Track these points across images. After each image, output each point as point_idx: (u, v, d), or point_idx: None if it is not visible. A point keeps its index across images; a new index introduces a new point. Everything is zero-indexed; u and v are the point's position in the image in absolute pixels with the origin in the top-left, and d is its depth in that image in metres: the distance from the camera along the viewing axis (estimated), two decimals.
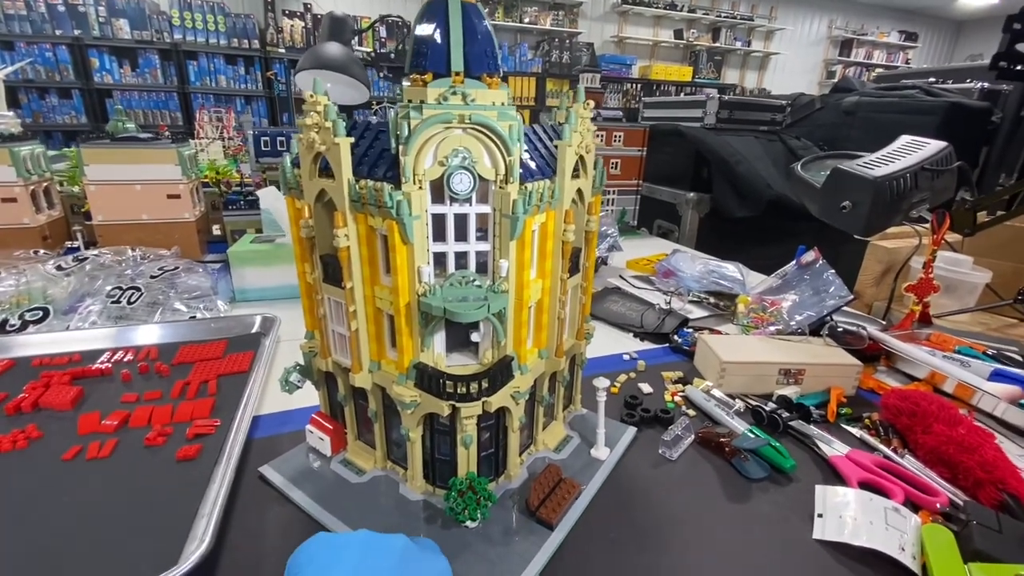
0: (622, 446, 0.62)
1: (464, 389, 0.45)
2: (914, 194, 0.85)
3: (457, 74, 0.42)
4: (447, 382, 0.45)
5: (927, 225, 1.01)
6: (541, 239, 0.48)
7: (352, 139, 0.42)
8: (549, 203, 0.47)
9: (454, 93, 0.41)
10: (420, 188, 0.41)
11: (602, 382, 0.58)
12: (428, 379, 0.46)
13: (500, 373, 0.47)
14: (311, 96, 0.41)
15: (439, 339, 0.47)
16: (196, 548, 0.44)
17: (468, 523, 0.48)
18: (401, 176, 0.41)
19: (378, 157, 0.43)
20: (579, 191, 0.51)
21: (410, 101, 0.42)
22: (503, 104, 0.44)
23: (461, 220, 0.44)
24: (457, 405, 0.46)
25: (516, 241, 0.44)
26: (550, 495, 0.51)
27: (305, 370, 0.57)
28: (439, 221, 0.44)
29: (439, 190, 0.42)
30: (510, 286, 0.46)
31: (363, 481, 0.55)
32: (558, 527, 0.49)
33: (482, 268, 0.47)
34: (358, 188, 0.42)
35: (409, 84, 0.43)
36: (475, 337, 0.47)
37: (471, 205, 0.44)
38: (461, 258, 0.46)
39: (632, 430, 0.65)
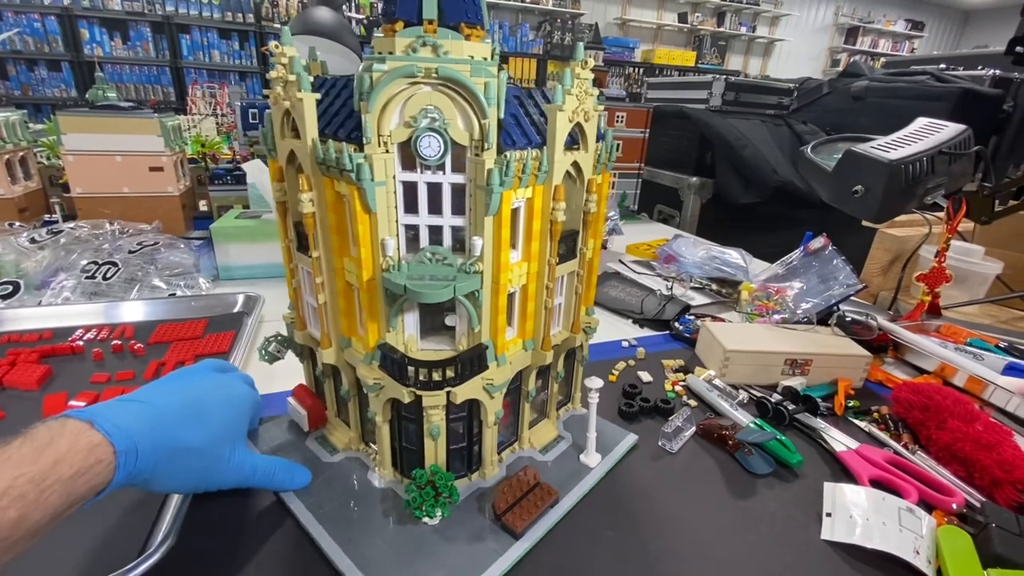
0: (618, 453, 0.56)
1: (427, 376, 0.41)
2: (930, 179, 0.81)
3: (430, 22, 0.37)
4: (410, 367, 0.41)
5: (938, 213, 0.98)
6: (527, 217, 0.43)
7: (318, 95, 0.38)
8: (535, 176, 0.41)
9: (424, 44, 0.36)
10: (386, 151, 0.37)
11: (595, 382, 0.51)
12: (391, 362, 0.42)
13: (471, 362, 0.43)
14: (276, 47, 0.37)
15: (411, 320, 0.43)
16: (162, 541, 0.40)
17: (427, 519, 0.45)
18: (363, 136, 0.36)
19: (347, 116, 0.39)
20: (576, 165, 0.45)
21: (378, 53, 0.38)
22: (484, 59, 0.39)
23: (435, 190, 0.40)
24: (419, 393, 0.42)
25: (493, 218, 0.39)
26: (520, 500, 0.46)
27: (288, 341, 0.55)
28: (410, 190, 0.40)
29: (411, 156, 0.38)
30: (485, 267, 0.41)
31: (334, 461, 0.52)
32: (524, 536, 0.44)
33: (460, 246, 0.42)
34: (323, 149, 0.38)
35: (380, 35, 0.39)
36: (450, 321, 0.43)
37: (444, 173, 0.39)
38: (435, 233, 0.41)
39: (633, 437, 0.58)
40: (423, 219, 0.41)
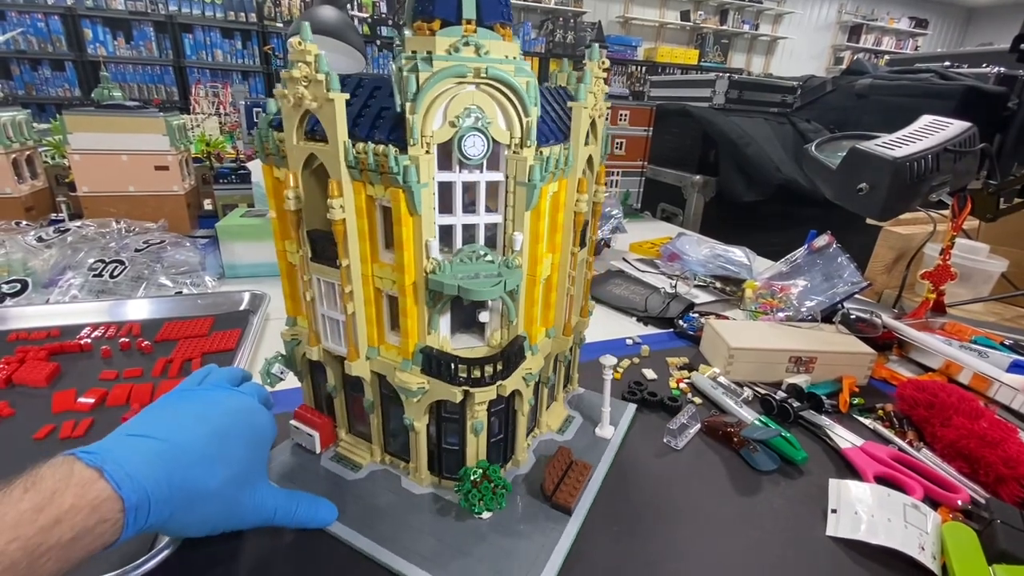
0: (624, 424, 0.61)
1: (478, 373, 0.42)
2: (935, 176, 0.81)
3: (468, 22, 0.37)
4: (461, 366, 0.42)
5: (943, 211, 0.98)
6: (552, 210, 0.45)
7: (348, 95, 0.38)
8: (563, 170, 0.43)
9: (466, 44, 0.36)
10: (428, 152, 0.37)
11: (609, 359, 0.56)
12: (437, 364, 0.42)
13: (515, 355, 0.44)
14: (299, 43, 0.35)
15: (445, 321, 0.44)
16: (171, 539, 0.41)
17: (483, 515, 0.45)
18: (408, 138, 0.36)
19: (376, 117, 0.38)
20: (589, 158, 0.47)
21: (414, 52, 0.37)
22: (516, 58, 0.40)
23: (470, 189, 0.40)
24: (471, 390, 0.43)
25: (531, 212, 0.41)
26: (563, 479, 0.49)
27: (288, 360, 0.52)
28: (445, 190, 0.40)
29: (446, 155, 0.38)
30: (523, 261, 0.42)
31: (360, 477, 0.50)
32: (575, 511, 0.47)
33: (490, 242, 0.43)
34: (356, 152, 0.38)
35: (413, 33, 0.38)
36: (483, 317, 0.44)
37: (481, 172, 0.39)
38: (468, 231, 0.42)
39: (632, 407, 0.64)
40: (459, 218, 0.41)
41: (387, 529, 0.44)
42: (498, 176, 0.40)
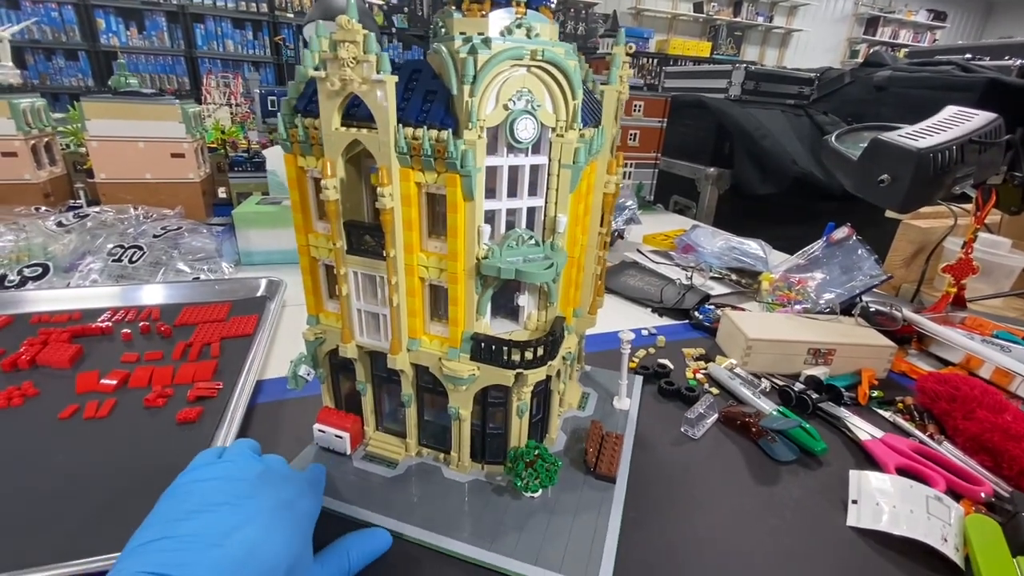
0: (637, 394, 0.64)
1: (530, 355, 0.42)
2: (959, 168, 0.79)
3: (519, 4, 0.37)
4: (514, 350, 0.42)
5: (964, 205, 0.96)
6: (584, 191, 0.45)
7: (396, 77, 0.36)
8: (597, 152, 0.44)
9: (519, 26, 0.36)
10: (481, 136, 0.36)
11: (627, 334, 0.59)
12: (488, 349, 0.42)
13: (559, 336, 0.45)
14: (348, 22, 0.33)
15: (487, 307, 0.44)
16: None
17: (534, 494, 0.47)
18: (466, 122, 0.35)
19: (423, 100, 0.37)
20: (612, 141, 0.47)
21: (463, 33, 0.36)
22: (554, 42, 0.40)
23: (515, 173, 0.40)
24: (524, 373, 0.43)
25: (572, 194, 0.41)
26: (601, 451, 0.51)
27: (312, 360, 0.51)
28: (490, 175, 0.39)
29: (492, 139, 0.38)
30: (565, 243, 0.43)
31: (399, 473, 0.49)
32: (618, 480, 0.49)
33: (528, 226, 0.43)
34: (408, 138, 0.36)
35: (462, 14, 0.37)
36: (522, 301, 0.44)
37: (527, 156, 0.39)
38: (510, 216, 0.42)
39: (639, 379, 0.67)
40: (503, 203, 0.41)
41: (442, 518, 0.44)
42: (541, 159, 0.40)
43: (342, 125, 0.38)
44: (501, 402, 0.46)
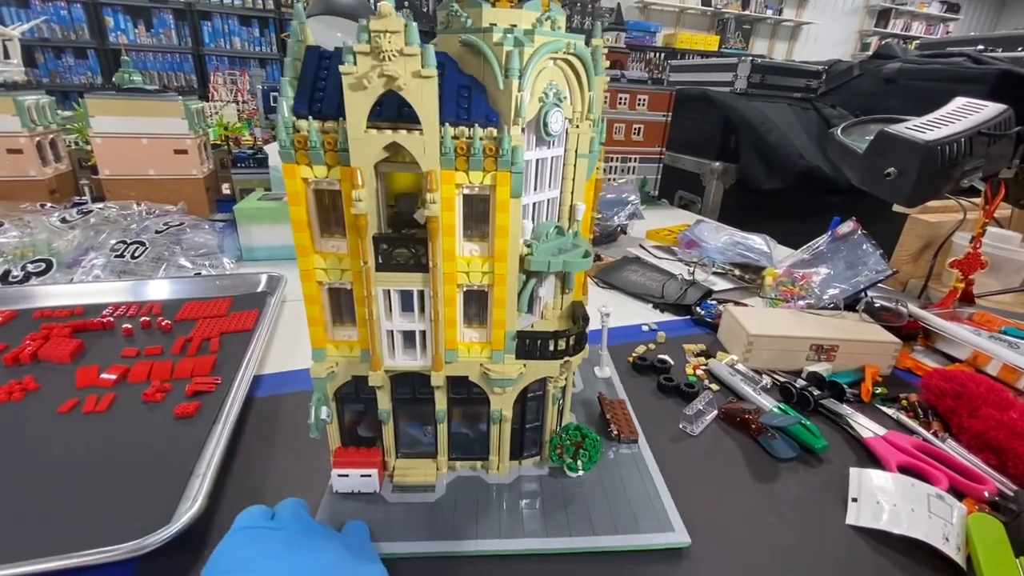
0: (610, 361, 0.69)
1: (573, 341, 0.43)
2: (967, 161, 0.78)
3: None
4: (560, 340, 0.43)
5: (973, 199, 0.94)
6: (592, 180, 0.46)
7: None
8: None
9: (548, 18, 0.36)
10: (522, 131, 0.36)
11: (608, 308, 0.65)
12: (535, 344, 0.43)
13: (585, 319, 0.45)
14: (388, 10, 0.30)
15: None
16: (189, 508, 0.42)
17: (580, 472, 0.49)
18: (514, 117, 0.34)
19: (457, 96, 0.35)
20: None
21: (493, 25, 0.35)
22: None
23: (541, 166, 0.40)
24: (570, 360, 0.44)
25: (588, 182, 0.42)
26: (615, 417, 0.56)
27: (325, 399, 0.45)
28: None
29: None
30: (582, 230, 0.44)
31: (441, 494, 0.46)
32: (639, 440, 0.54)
33: (549, 218, 0.44)
34: (454, 136, 0.34)
35: (491, 5, 0.36)
36: (542, 291, 0.44)
37: (549, 148, 0.39)
38: (534, 209, 0.42)
39: (606, 348, 0.69)
40: (531, 197, 0.40)
41: (510, 523, 0.44)
42: (559, 151, 0.40)
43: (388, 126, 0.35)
44: (539, 395, 0.47)
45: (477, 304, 0.42)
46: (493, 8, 0.35)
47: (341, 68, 0.32)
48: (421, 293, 0.40)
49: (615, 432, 0.54)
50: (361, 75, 0.32)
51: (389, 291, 0.40)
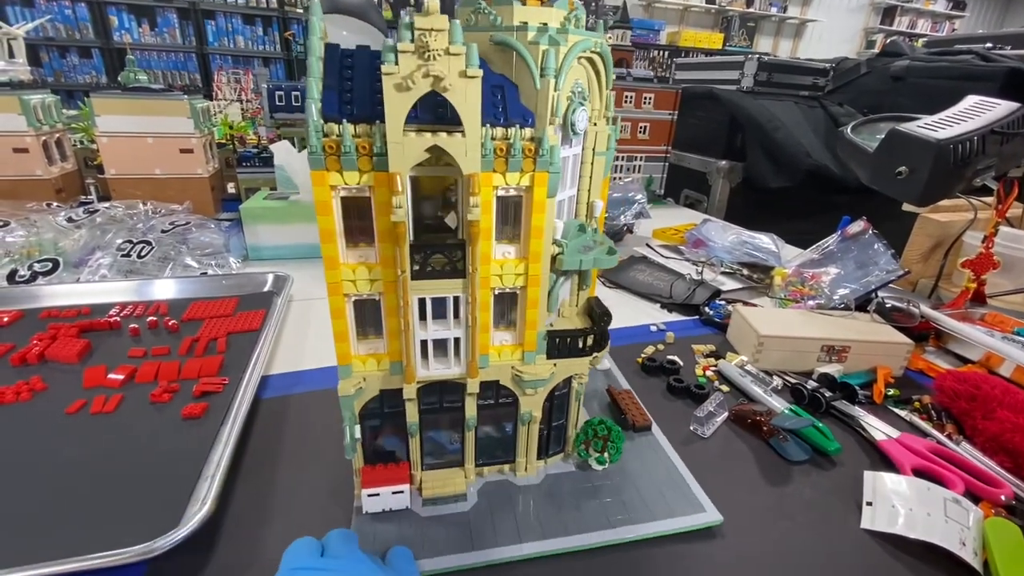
0: (608, 352, 0.69)
1: (599, 336, 0.43)
2: (980, 160, 0.77)
3: None
4: (589, 337, 0.43)
5: (985, 198, 0.93)
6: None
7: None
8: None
9: (575, 17, 0.36)
10: (557, 131, 0.36)
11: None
12: (565, 343, 0.43)
13: (606, 314, 0.46)
14: (434, 6, 0.29)
15: None
16: (198, 511, 0.41)
17: (602, 465, 0.50)
18: (550, 117, 0.34)
19: (491, 96, 0.35)
20: None
21: (523, 23, 0.35)
22: None
23: (565, 164, 0.40)
24: (598, 355, 0.45)
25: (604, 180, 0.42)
26: (627, 408, 0.58)
27: (354, 418, 0.43)
28: None
29: None
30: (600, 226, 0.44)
31: (475, 502, 0.46)
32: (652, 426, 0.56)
33: (570, 216, 0.44)
34: (495, 137, 0.34)
35: (522, 3, 0.35)
36: (562, 290, 0.45)
37: (571, 146, 0.39)
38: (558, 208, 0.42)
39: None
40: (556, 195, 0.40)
41: (552, 524, 0.43)
42: (578, 149, 0.40)
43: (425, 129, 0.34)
44: (564, 393, 0.47)
45: (506, 306, 0.42)
46: (524, 6, 0.35)
47: (383, 68, 0.30)
48: (456, 300, 0.39)
49: (631, 421, 0.56)
50: (406, 75, 0.30)
51: (424, 299, 0.39)
